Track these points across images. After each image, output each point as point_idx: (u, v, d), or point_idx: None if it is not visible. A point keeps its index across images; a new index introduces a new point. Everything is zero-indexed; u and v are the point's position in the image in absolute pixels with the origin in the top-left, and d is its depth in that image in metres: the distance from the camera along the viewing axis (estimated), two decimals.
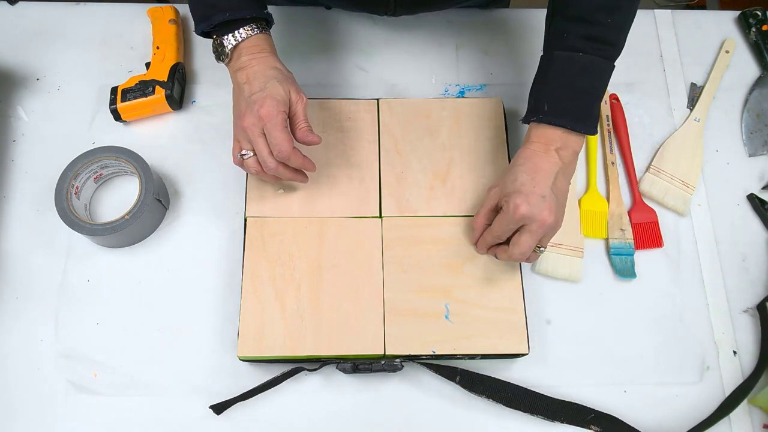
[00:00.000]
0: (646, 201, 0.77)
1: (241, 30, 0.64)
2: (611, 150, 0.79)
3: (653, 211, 0.76)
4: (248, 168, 0.65)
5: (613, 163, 0.78)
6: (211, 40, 0.66)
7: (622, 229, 0.75)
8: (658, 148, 0.80)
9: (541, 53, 0.67)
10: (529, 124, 0.66)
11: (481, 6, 0.88)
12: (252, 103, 0.62)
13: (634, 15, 0.65)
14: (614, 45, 0.64)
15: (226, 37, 0.64)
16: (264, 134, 0.63)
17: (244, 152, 0.64)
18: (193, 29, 0.67)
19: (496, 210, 0.66)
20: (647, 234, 0.75)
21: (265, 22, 0.66)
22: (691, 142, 0.80)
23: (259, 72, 0.64)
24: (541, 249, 0.64)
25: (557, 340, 0.70)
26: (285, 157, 0.63)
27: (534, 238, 0.62)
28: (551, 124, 0.63)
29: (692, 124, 0.81)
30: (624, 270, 0.73)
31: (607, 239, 0.75)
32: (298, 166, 0.66)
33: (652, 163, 0.79)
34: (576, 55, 0.63)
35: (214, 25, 0.64)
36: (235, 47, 0.64)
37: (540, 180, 0.62)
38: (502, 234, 0.64)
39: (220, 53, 0.65)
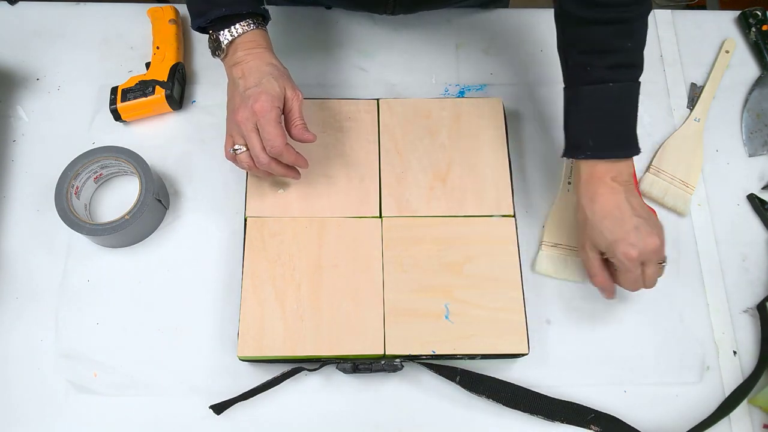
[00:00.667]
0: (646, 201, 0.77)
1: (237, 25, 0.64)
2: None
3: (653, 211, 0.76)
4: (240, 163, 0.65)
5: None
6: (208, 36, 0.66)
7: None
8: (658, 148, 0.79)
9: (558, 76, 0.68)
10: (574, 160, 0.66)
11: (481, 6, 0.88)
12: (246, 98, 0.62)
13: (647, 29, 0.65)
14: (638, 65, 0.64)
15: (222, 32, 0.64)
16: (257, 129, 0.63)
17: (236, 147, 0.64)
18: (190, 25, 0.67)
19: (604, 262, 0.66)
20: None
21: (261, 18, 0.66)
22: (691, 142, 0.80)
23: (255, 67, 0.64)
24: (663, 264, 0.65)
25: (557, 340, 0.70)
26: (277, 153, 0.63)
27: (654, 264, 0.63)
28: (600, 158, 0.64)
29: (692, 124, 0.81)
30: None
31: None
32: (290, 162, 0.66)
33: (652, 163, 0.78)
34: (606, 86, 0.63)
35: (210, 21, 0.64)
36: (230, 42, 0.64)
37: (621, 217, 0.62)
38: (634, 288, 0.64)
39: (215, 48, 0.65)
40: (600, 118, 0.64)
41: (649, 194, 0.77)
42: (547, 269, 0.73)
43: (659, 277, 0.65)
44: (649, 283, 0.64)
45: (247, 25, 0.64)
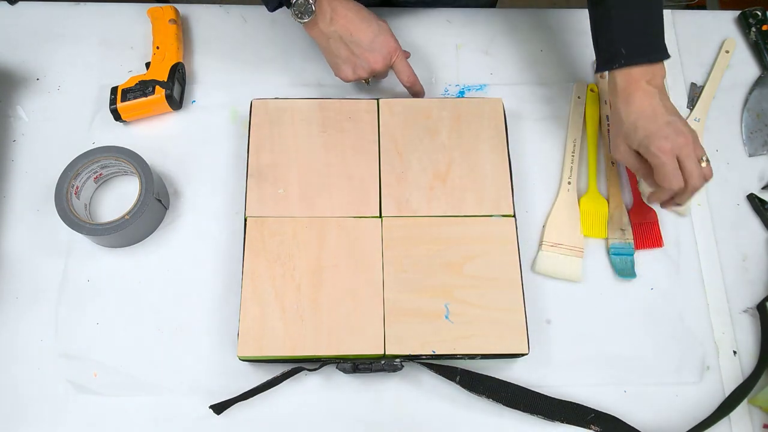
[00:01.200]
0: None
1: None
2: (611, 150, 0.79)
3: (653, 211, 0.76)
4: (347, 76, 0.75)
5: (613, 163, 0.78)
6: (290, 4, 0.70)
7: (622, 229, 0.75)
8: None
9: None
10: (609, 71, 0.69)
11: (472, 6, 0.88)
12: (372, 49, 0.72)
13: None
14: None
15: None
16: (389, 66, 0.75)
17: (369, 78, 0.76)
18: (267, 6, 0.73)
19: (641, 162, 0.68)
20: (647, 234, 0.75)
21: None
22: None
23: (358, 19, 0.71)
24: (704, 158, 0.66)
25: (557, 340, 0.70)
26: (413, 82, 0.76)
27: (692, 159, 0.64)
28: (634, 65, 0.66)
29: (692, 124, 0.81)
30: (624, 270, 0.73)
31: (607, 239, 0.75)
32: (415, 91, 0.78)
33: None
34: None
35: None
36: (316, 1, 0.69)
37: (654, 114, 0.65)
38: (675, 183, 0.65)
39: (305, 11, 0.70)
40: (630, 24, 0.67)
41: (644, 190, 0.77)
42: (546, 269, 0.73)
43: (707, 177, 0.65)
44: (694, 180, 0.64)
45: None
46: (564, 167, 0.78)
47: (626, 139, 0.68)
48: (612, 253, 0.74)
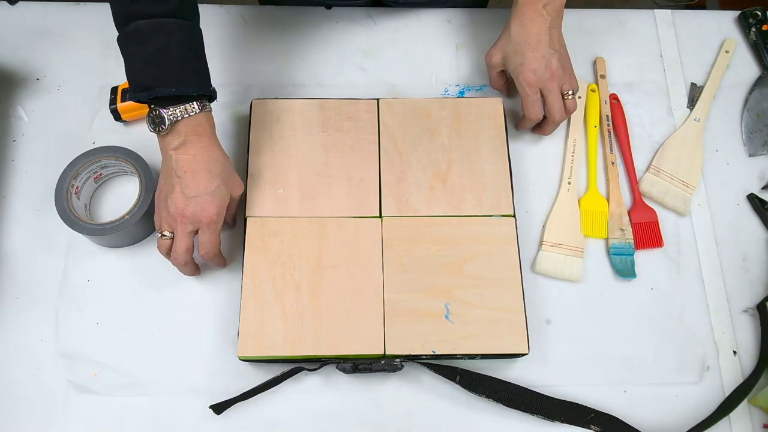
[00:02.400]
0: (646, 201, 0.77)
1: (185, 106, 0.60)
2: (611, 150, 0.79)
3: (653, 211, 0.76)
4: (160, 248, 0.65)
5: (613, 163, 0.78)
6: (148, 110, 0.61)
7: (622, 229, 0.75)
8: (658, 148, 0.80)
9: None
10: None
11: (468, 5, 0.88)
12: (194, 202, 0.62)
13: None
14: None
15: (166, 110, 0.60)
16: (194, 233, 0.64)
17: (166, 233, 0.64)
18: (129, 96, 0.63)
19: (502, 74, 0.77)
20: (647, 234, 0.75)
21: (208, 99, 0.63)
22: (691, 142, 0.80)
23: (204, 167, 0.62)
24: (570, 93, 0.72)
25: (557, 340, 0.70)
26: (210, 258, 0.66)
27: (554, 94, 0.71)
28: None
29: (692, 124, 0.81)
30: (624, 270, 0.73)
31: (607, 239, 0.75)
32: (217, 265, 0.69)
33: (652, 163, 0.79)
34: None
35: (155, 97, 0.60)
36: (175, 123, 0.61)
37: (537, 44, 0.70)
38: (534, 114, 0.73)
39: (157, 125, 0.61)
40: None
41: (649, 194, 0.77)
42: (547, 269, 0.73)
43: (569, 111, 0.73)
44: (555, 113, 0.72)
45: (193, 108, 0.61)
46: (564, 167, 0.78)
47: (504, 57, 0.73)
48: (612, 253, 0.74)
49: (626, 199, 0.77)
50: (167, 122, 0.60)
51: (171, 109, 0.60)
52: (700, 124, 0.81)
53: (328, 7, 0.86)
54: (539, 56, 0.70)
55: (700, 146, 0.80)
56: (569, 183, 0.77)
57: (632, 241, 0.74)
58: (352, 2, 0.85)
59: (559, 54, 0.71)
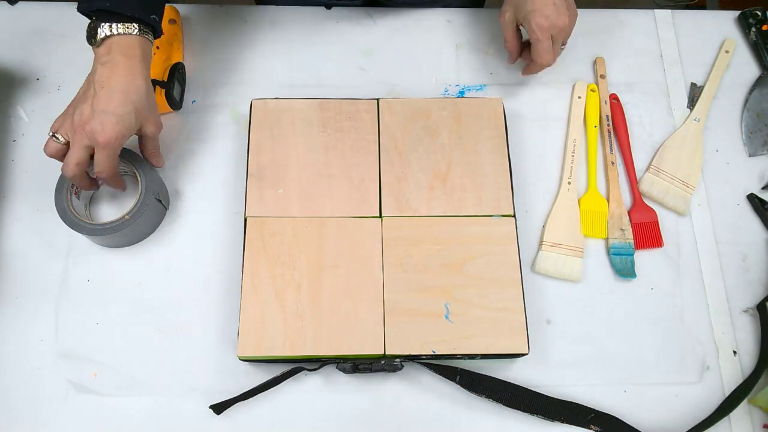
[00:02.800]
0: (646, 201, 0.77)
1: (120, 25, 0.63)
2: (611, 150, 0.79)
3: (653, 211, 0.76)
4: (47, 147, 0.65)
5: (613, 163, 0.78)
6: (89, 20, 0.64)
7: (622, 229, 0.75)
8: (658, 148, 0.80)
9: None
10: None
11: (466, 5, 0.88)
12: (98, 117, 0.61)
13: None
14: None
15: (102, 25, 0.63)
16: (89, 147, 0.63)
17: (58, 136, 0.64)
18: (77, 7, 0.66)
19: (517, 30, 0.77)
20: (647, 234, 0.75)
21: (150, 28, 0.65)
22: (691, 142, 0.80)
23: (122, 87, 0.62)
24: (563, 46, 0.76)
25: (557, 340, 0.70)
26: (105, 180, 0.66)
27: (558, 43, 0.74)
28: None
29: (692, 124, 0.81)
30: (624, 270, 0.73)
31: (607, 239, 0.75)
32: (113, 187, 0.70)
33: (652, 163, 0.79)
34: None
35: (93, 9, 0.63)
36: (105, 38, 0.63)
37: None
38: (546, 60, 0.74)
39: (90, 37, 0.64)
40: None
41: (649, 194, 0.77)
42: (547, 269, 0.73)
43: (557, 55, 0.75)
44: (548, 58, 0.74)
45: (128, 29, 0.63)
46: (564, 167, 0.78)
47: (515, 8, 0.74)
48: (612, 253, 0.74)
49: (626, 199, 0.77)
50: (99, 36, 0.63)
51: (107, 25, 0.63)
52: (700, 124, 0.81)
53: (328, 6, 0.86)
54: (549, 3, 0.71)
55: (700, 146, 0.80)
56: (569, 183, 0.77)
57: (632, 241, 0.74)
58: (351, 2, 0.85)
59: (567, 3, 0.72)
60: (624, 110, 0.81)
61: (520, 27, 0.76)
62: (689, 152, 0.79)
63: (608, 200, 0.77)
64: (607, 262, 0.74)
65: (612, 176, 0.78)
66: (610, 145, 0.79)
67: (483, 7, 0.89)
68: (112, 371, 0.67)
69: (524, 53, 0.79)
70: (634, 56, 0.85)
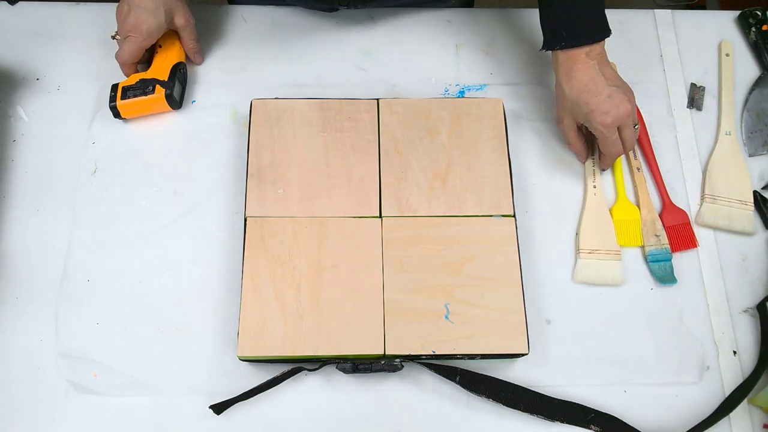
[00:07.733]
0: (708, 231, 0.75)
1: None
2: (635, 156, 0.78)
3: (684, 212, 0.75)
4: (117, 54, 0.76)
5: (638, 169, 0.77)
6: None
7: (656, 235, 0.73)
8: (704, 175, 0.78)
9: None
10: (553, 51, 0.71)
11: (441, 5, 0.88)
12: (135, 9, 0.72)
13: None
14: None
15: None
16: (130, 39, 0.74)
17: (117, 36, 0.76)
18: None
19: (579, 129, 0.75)
20: (681, 235, 0.74)
21: None
22: (733, 157, 0.78)
23: None
24: (637, 126, 0.72)
25: (557, 340, 0.70)
26: (120, 63, 0.76)
27: (629, 128, 0.70)
28: (575, 46, 0.69)
29: (725, 140, 0.79)
30: (664, 276, 0.72)
31: (643, 247, 0.74)
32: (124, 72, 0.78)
33: (705, 192, 0.76)
34: None
35: None
36: None
37: (596, 88, 0.68)
38: (616, 152, 0.72)
39: None
40: (571, 8, 0.69)
41: (714, 225, 0.75)
42: (588, 277, 0.72)
43: (635, 138, 0.73)
44: (629, 146, 0.72)
45: None
46: (586, 172, 0.77)
47: (571, 113, 0.72)
48: (650, 260, 0.72)
49: (655, 203, 0.76)
50: None
51: None
52: (732, 137, 0.79)
53: (333, 10, 0.86)
54: (605, 98, 0.68)
55: (740, 158, 0.78)
56: (594, 187, 0.75)
57: (668, 245, 0.73)
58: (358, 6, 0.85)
59: (621, 88, 0.69)
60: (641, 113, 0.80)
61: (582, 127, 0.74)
62: (735, 169, 0.77)
63: (639, 207, 0.75)
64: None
65: (639, 182, 0.76)
66: (633, 151, 0.78)
67: (482, 8, 0.89)
68: (112, 371, 0.67)
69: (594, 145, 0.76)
70: (634, 56, 0.85)
